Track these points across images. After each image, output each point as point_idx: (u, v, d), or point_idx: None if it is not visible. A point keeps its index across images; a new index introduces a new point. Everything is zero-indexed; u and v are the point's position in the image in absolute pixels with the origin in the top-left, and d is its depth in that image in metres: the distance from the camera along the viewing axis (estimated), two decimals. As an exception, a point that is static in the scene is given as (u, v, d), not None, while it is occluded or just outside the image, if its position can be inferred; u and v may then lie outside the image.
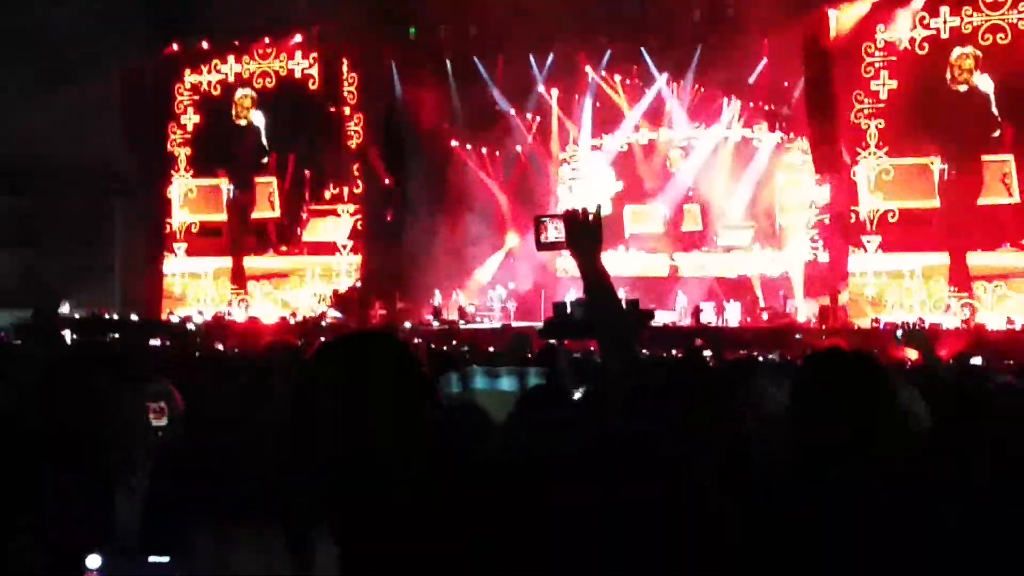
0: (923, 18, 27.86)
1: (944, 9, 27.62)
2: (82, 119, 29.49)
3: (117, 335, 28.32)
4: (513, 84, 33.37)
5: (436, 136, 33.52)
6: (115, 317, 31.90)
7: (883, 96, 28.24)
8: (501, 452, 5.20)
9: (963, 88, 27.22)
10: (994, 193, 26.90)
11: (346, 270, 33.90)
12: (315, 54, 34.21)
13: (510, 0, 28.80)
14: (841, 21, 28.42)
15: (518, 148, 34.34)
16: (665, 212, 33.11)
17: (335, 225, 34.15)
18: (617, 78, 33.02)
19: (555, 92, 33.70)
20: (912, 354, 15.84)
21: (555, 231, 4.52)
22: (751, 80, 31.06)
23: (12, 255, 32.97)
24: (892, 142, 28.06)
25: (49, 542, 3.35)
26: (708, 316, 29.21)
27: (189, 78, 35.85)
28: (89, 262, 34.01)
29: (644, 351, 14.21)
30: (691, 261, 32.49)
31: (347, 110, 33.93)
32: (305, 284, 34.19)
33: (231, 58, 35.29)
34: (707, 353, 16.65)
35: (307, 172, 34.10)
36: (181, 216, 35.83)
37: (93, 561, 3.26)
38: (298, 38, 34.18)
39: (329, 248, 34.20)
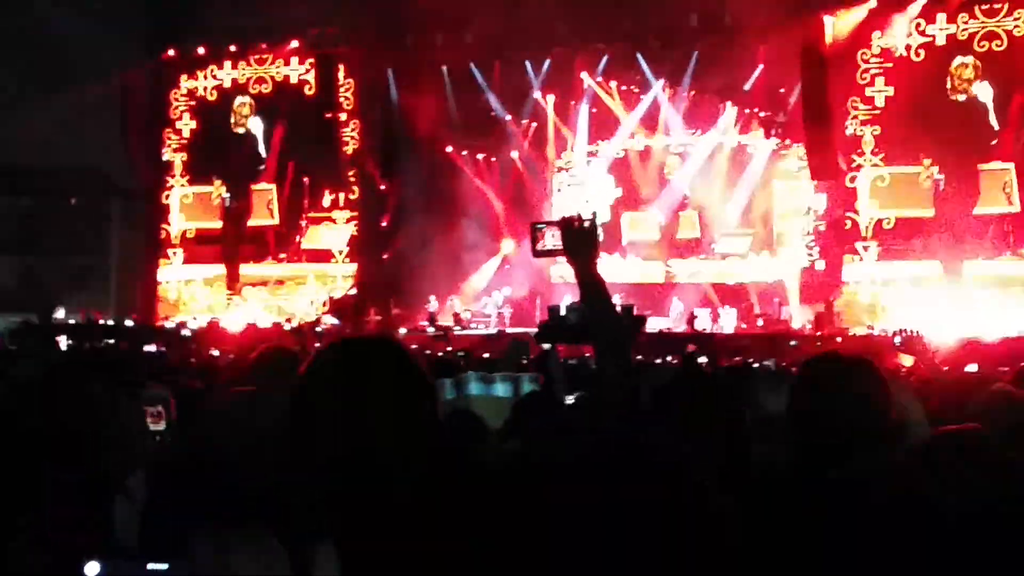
0: (919, 25, 27.91)
1: (941, 16, 27.68)
2: (79, 123, 29.51)
3: (112, 341, 28.30)
4: (509, 90, 33.38)
5: (432, 142, 33.47)
6: (110, 322, 31.87)
7: (879, 103, 28.30)
8: (498, 456, 5.21)
9: (962, 98, 27.26)
10: (994, 202, 26.89)
11: (342, 277, 33.90)
12: (311, 60, 34.19)
13: (507, 6, 28.82)
14: (837, 27, 28.46)
15: (514, 154, 34.33)
16: (661, 219, 33.09)
17: (334, 232, 34.14)
18: (613, 84, 33.02)
19: (551, 98, 33.69)
20: (907, 361, 15.86)
21: (552, 238, 4.51)
22: (747, 86, 31.06)
23: (9, 259, 32.96)
24: (888, 149, 28.12)
25: (49, 542, 3.35)
26: (703, 322, 29.23)
27: (185, 83, 35.85)
28: (85, 267, 34.02)
29: (639, 357, 14.23)
30: (687, 268, 32.47)
31: (343, 116, 33.93)
32: (300, 291, 34.16)
33: (227, 64, 35.30)
34: (702, 360, 16.68)
35: (306, 179, 34.09)
36: (177, 222, 35.82)
37: (92, 568, 3.26)
38: (294, 44, 34.18)
39: (326, 255, 34.20)
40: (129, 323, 31.99)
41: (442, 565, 2.55)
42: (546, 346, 10.13)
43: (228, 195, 34.71)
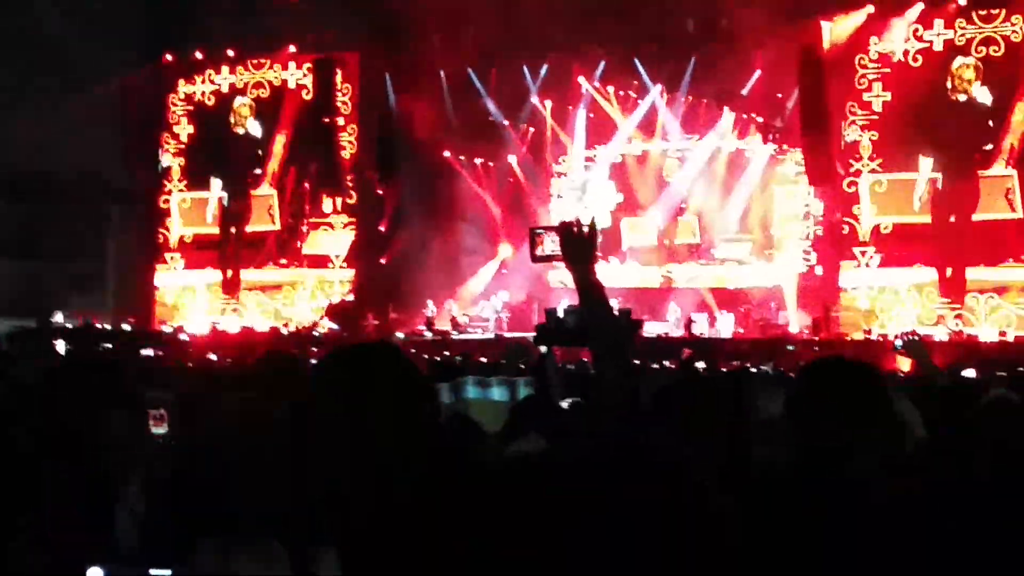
0: (917, 30, 27.92)
1: (938, 21, 27.68)
2: (77, 128, 29.48)
3: (109, 345, 28.27)
4: (507, 95, 33.39)
5: (430, 147, 33.45)
6: (107, 327, 31.84)
7: (876, 108, 28.30)
8: (497, 457, 5.22)
9: (962, 97, 27.27)
10: (996, 209, 26.84)
11: (340, 282, 33.87)
12: (309, 64, 34.17)
13: (504, 10, 28.81)
14: (835, 33, 28.47)
15: (512, 159, 34.32)
16: (660, 223, 33.07)
17: (334, 238, 34.10)
18: (611, 89, 33.03)
19: (549, 103, 33.69)
20: (904, 365, 15.87)
21: (551, 243, 4.53)
22: (745, 92, 31.05)
23: (8, 262, 32.89)
24: (885, 155, 28.11)
25: (49, 542, 3.36)
26: (701, 327, 29.24)
27: (183, 88, 35.84)
28: (83, 271, 33.99)
29: (636, 361, 14.24)
30: (686, 272, 32.44)
31: (341, 120, 33.90)
32: (299, 296, 34.15)
33: (225, 68, 35.28)
34: (700, 364, 16.69)
35: (307, 184, 34.07)
36: (176, 226, 35.82)
37: (94, 573, 3.27)
38: (292, 49, 34.15)
39: (325, 260, 34.16)
40: (126, 327, 31.94)
41: (443, 565, 2.57)
42: (543, 349, 10.15)
43: (225, 193, 34.66)
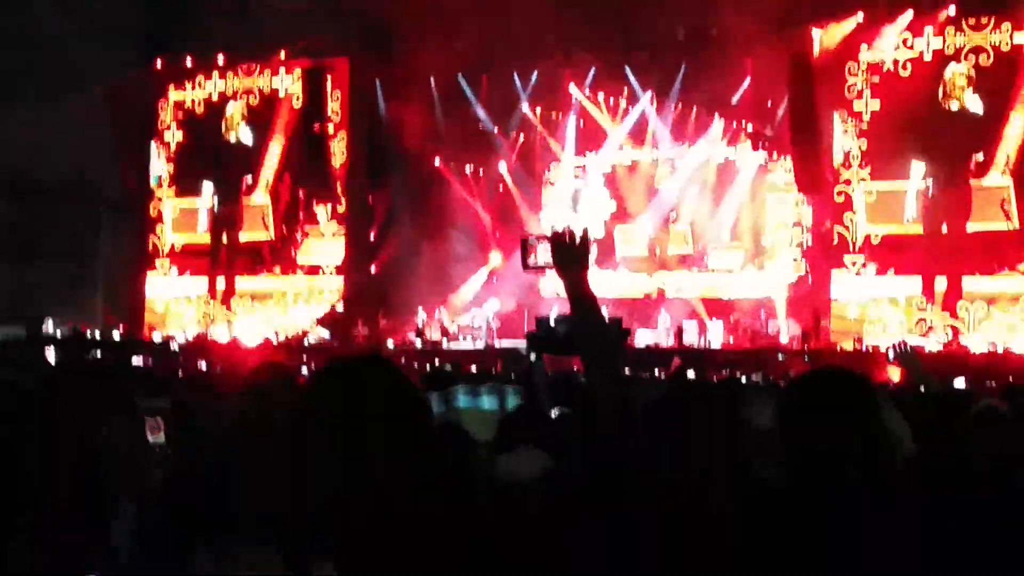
0: (906, 39, 27.96)
1: (928, 30, 27.72)
2: (68, 133, 29.43)
3: (99, 353, 28.24)
4: (497, 103, 33.37)
5: (420, 154, 33.42)
6: (97, 335, 31.78)
7: (866, 117, 28.33)
8: (488, 469, 5.23)
9: (954, 106, 27.30)
10: (991, 218, 26.76)
11: (329, 291, 33.83)
12: (299, 71, 34.11)
13: (494, 18, 28.83)
14: (825, 41, 28.49)
15: (502, 167, 34.30)
16: (651, 231, 33.02)
17: (327, 245, 34.02)
18: (601, 96, 33.03)
19: (539, 111, 33.68)
20: (895, 375, 15.90)
21: (543, 252, 4.54)
22: (735, 99, 31.06)
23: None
24: (875, 163, 28.13)
25: (49, 542, 3.38)
26: (691, 336, 29.17)
27: (173, 95, 35.79)
28: (75, 277, 33.89)
29: (626, 370, 14.24)
30: (677, 281, 32.37)
31: (331, 128, 33.86)
32: (288, 304, 34.09)
33: (215, 75, 35.22)
34: (690, 374, 16.73)
35: (301, 192, 34.02)
36: (166, 233, 35.76)
37: (93, 581, 3.29)
38: (282, 55, 34.11)
39: (317, 268, 34.10)
40: (116, 336, 31.88)
41: (442, 572, 2.59)
42: (532, 356, 10.18)
43: (216, 198, 34.57)
